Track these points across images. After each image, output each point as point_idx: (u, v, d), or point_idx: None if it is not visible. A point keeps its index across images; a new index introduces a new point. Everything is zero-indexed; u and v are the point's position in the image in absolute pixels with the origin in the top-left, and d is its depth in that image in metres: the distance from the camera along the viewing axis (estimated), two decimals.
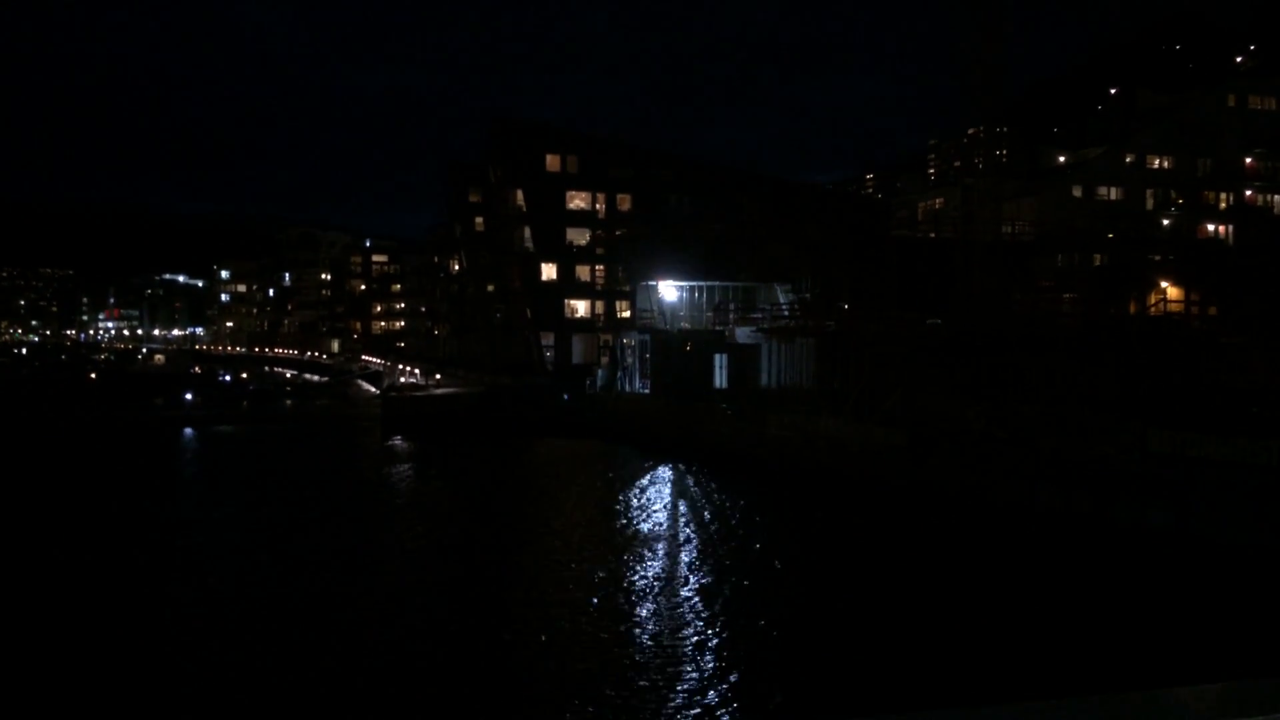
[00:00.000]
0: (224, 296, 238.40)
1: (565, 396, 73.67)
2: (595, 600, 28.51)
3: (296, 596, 29.67)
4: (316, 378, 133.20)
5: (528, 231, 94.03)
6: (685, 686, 21.60)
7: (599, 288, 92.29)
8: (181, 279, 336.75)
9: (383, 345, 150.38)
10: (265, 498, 47.67)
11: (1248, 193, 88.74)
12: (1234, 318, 58.71)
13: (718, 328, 70.06)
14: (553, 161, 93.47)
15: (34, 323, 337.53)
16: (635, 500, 44.94)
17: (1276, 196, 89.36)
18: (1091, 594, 28.73)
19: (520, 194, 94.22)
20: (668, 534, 37.79)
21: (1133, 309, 64.66)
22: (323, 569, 33.27)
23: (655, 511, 42.37)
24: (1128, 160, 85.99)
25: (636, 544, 35.87)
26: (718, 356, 68.59)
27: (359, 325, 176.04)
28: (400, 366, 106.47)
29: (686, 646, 24.16)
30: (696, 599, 28.43)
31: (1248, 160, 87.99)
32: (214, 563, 34.28)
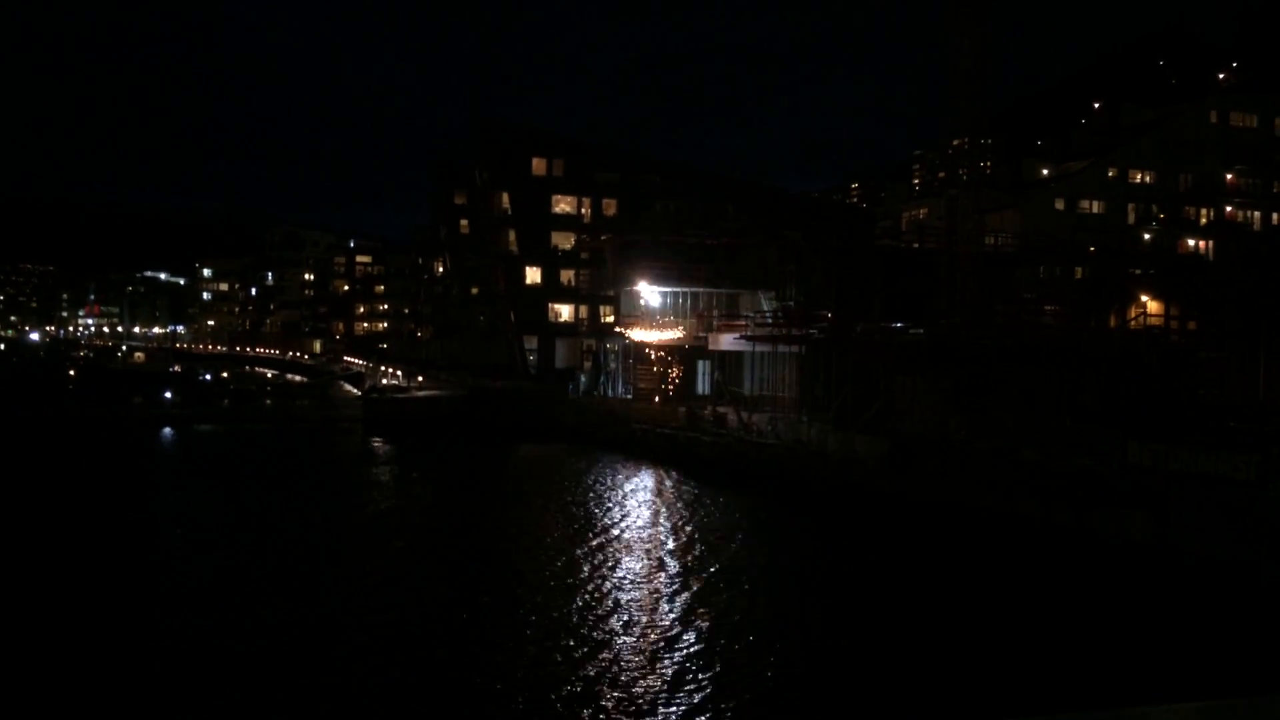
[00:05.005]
0: (206, 295, 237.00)
1: (566, 395, 73.88)
2: (577, 609, 28.45)
3: (267, 619, 29.48)
4: (298, 378, 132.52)
5: (513, 234, 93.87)
6: (671, 697, 21.57)
7: (583, 292, 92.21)
8: (163, 276, 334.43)
9: (365, 346, 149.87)
10: (240, 504, 47.41)
11: (1228, 209, 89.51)
12: (1213, 332, 59.21)
13: (701, 334, 70.05)
14: (539, 165, 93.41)
15: (12, 318, 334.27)
16: (616, 507, 44.89)
17: (1256, 213, 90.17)
18: (1067, 606, 28.85)
19: (506, 197, 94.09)
20: (648, 542, 37.75)
21: (1113, 322, 65.07)
22: (297, 584, 33.12)
23: (636, 519, 42.32)
24: (1110, 174, 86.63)
25: (616, 552, 35.82)
26: (701, 363, 68.63)
27: (342, 326, 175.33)
28: (382, 368, 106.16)
29: (671, 656, 24.13)
30: (678, 609, 28.40)
31: (1228, 176, 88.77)
32: (185, 570, 34.07)
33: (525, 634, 25.68)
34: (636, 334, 71.09)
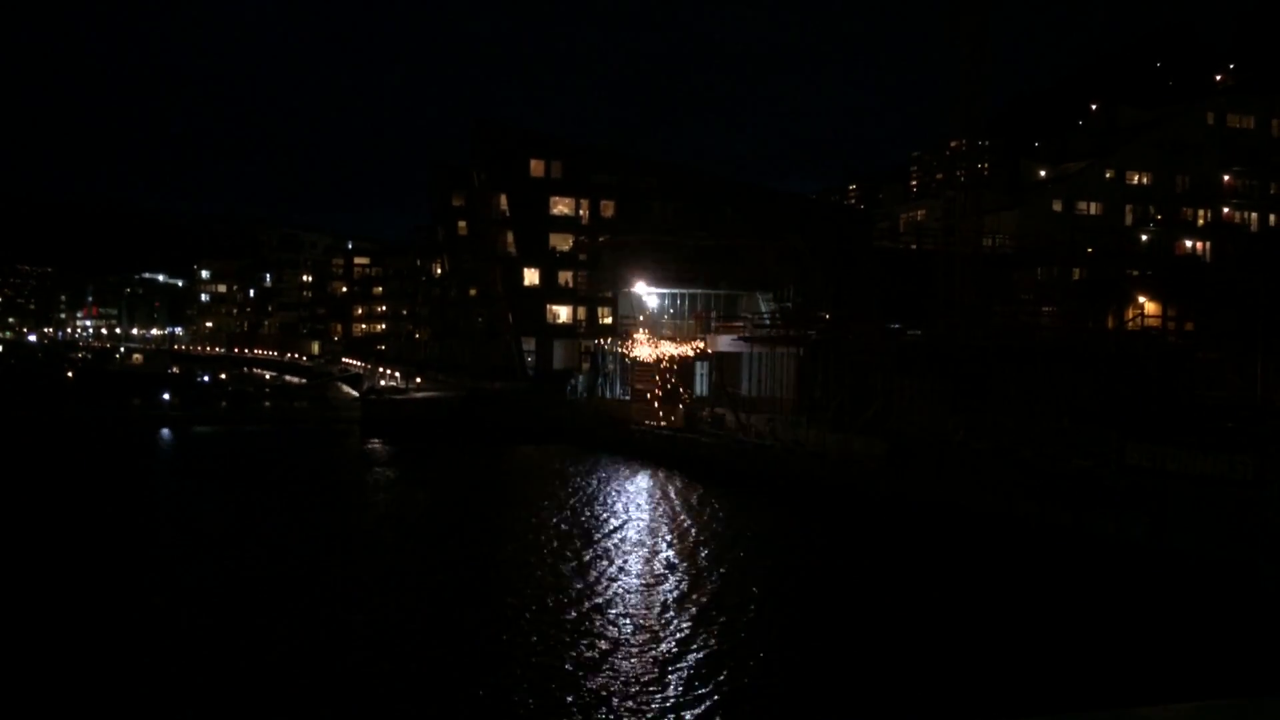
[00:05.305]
0: (204, 296, 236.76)
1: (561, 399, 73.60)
2: (579, 612, 28.43)
3: (267, 622, 29.45)
4: (296, 379, 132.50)
5: (511, 236, 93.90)
6: (675, 699, 21.57)
7: (581, 293, 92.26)
8: (161, 278, 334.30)
9: (363, 348, 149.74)
10: (238, 506, 47.35)
11: (1225, 210, 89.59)
12: (1210, 333, 59.26)
13: (699, 335, 69.99)
14: (536, 166, 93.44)
15: (10, 319, 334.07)
16: (616, 509, 44.86)
17: (1254, 214, 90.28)
18: (1065, 607, 28.86)
19: (504, 198, 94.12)
20: (649, 544, 37.74)
21: (1111, 323, 65.14)
22: (296, 588, 33.08)
23: (636, 521, 42.30)
24: (1108, 175, 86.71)
25: (617, 555, 35.80)
26: (699, 364, 68.57)
27: (340, 327, 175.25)
28: (380, 369, 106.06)
29: (674, 658, 24.12)
30: (680, 612, 28.38)
31: (1226, 178, 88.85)
32: (184, 570, 34.04)
33: (531, 640, 25.61)
34: (638, 350, 69.26)
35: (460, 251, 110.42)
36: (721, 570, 32.95)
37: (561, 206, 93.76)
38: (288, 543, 37.99)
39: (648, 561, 34.28)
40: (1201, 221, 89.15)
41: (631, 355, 69.13)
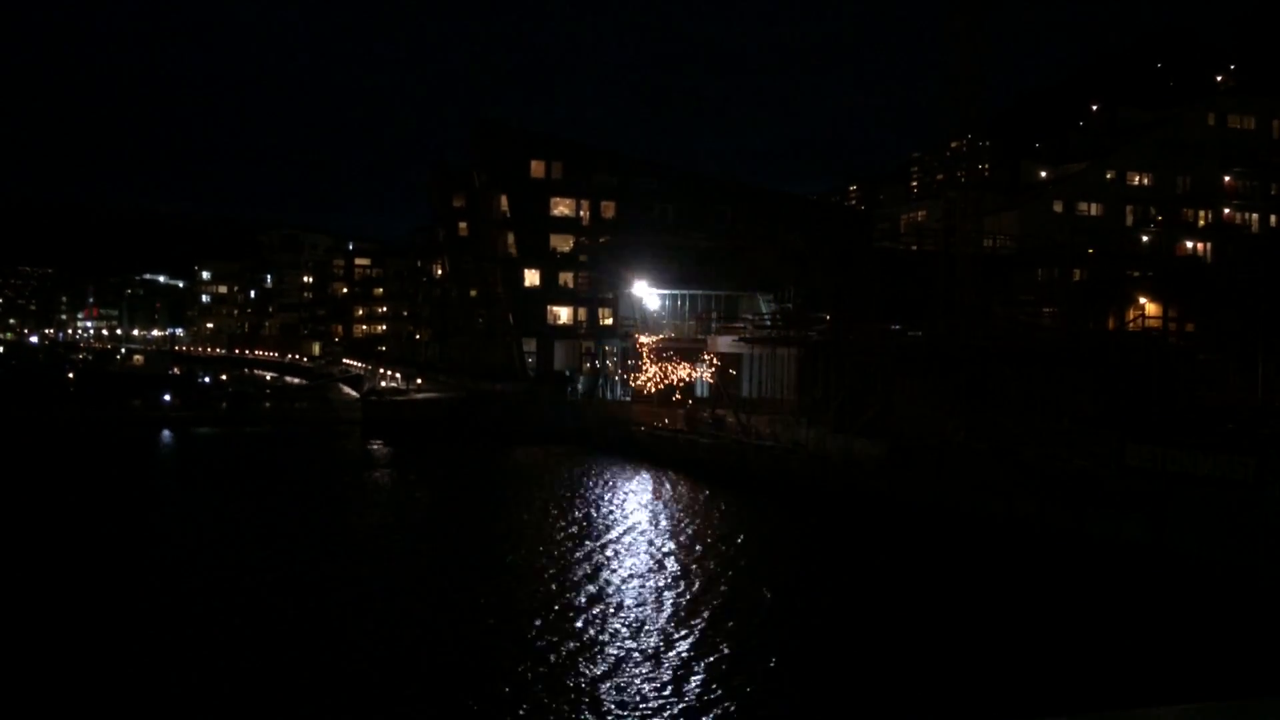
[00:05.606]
0: (204, 297, 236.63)
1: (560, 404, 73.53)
2: (580, 613, 28.46)
3: (268, 624, 29.48)
4: (297, 380, 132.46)
5: (511, 237, 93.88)
6: (685, 703, 21.59)
7: (582, 294, 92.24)
8: (162, 279, 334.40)
9: (364, 349, 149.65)
10: (239, 508, 47.39)
11: (1226, 211, 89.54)
12: (1211, 335, 59.26)
13: (700, 336, 69.98)
14: (537, 167, 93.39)
15: (11, 321, 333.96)
16: (617, 510, 44.89)
17: (1254, 215, 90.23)
18: (1065, 609, 28.87)
19: (504, 199, 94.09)
20: (650, 546, 37.77)
21: (1111, 324, 65.13)
22: (297, 589, 33.14)
23: (637, 522, 42.31)
24: (1108, 176, 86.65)
25: (618, 556, 35.84)
26: (699, 365, 68.55)
27: (340, 328, 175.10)
28: (381, 370, 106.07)
29: (675, 661, 24.14)
30: (682, 615, 28.41)
31: (1226, 179, 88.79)
32: (188, 566, 34.07)
33: (538, 645, 25.61)
34: (646, 374, 67.80)
35: (461, 252, 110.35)
36: (729, 574, 32.95)
37: (562, 207, 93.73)
38: (289, 545, 38.03)
39: (655, 565, 34.30)
40: (1202, 222, 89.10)
41: (638, 383, 67.77)
